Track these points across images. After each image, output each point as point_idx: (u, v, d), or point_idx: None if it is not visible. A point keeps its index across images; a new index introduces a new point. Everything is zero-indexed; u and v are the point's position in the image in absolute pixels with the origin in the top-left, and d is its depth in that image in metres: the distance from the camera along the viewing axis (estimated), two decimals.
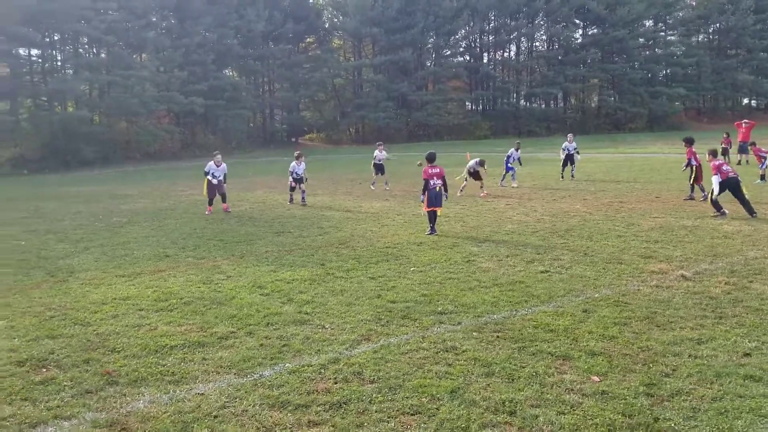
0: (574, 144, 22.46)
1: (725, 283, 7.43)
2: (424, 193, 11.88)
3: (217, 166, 16.06)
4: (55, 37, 47.62)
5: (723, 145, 25.39)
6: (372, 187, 20.71)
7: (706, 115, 73.15)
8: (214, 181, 15.84)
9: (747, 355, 5.25)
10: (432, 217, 11.79)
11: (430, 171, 11.90)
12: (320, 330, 6.24)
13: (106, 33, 44.98)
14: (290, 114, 67.88)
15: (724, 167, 12.69)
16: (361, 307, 6.99)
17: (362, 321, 6.48)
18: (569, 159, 22.02)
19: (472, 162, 17.91)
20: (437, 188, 11.79)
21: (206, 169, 16.08)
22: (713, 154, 13.26)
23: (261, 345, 5.85)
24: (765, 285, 7.34)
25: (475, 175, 17.76)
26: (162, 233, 12.76)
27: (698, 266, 8.36)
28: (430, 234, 11.51)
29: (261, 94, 66.03)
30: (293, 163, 17.16)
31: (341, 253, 10.07)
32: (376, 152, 21.68)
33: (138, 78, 46.66)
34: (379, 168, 21.20)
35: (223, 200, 16.02)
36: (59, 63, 49.23)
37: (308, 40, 69.98)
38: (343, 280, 8.28)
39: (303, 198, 17.01)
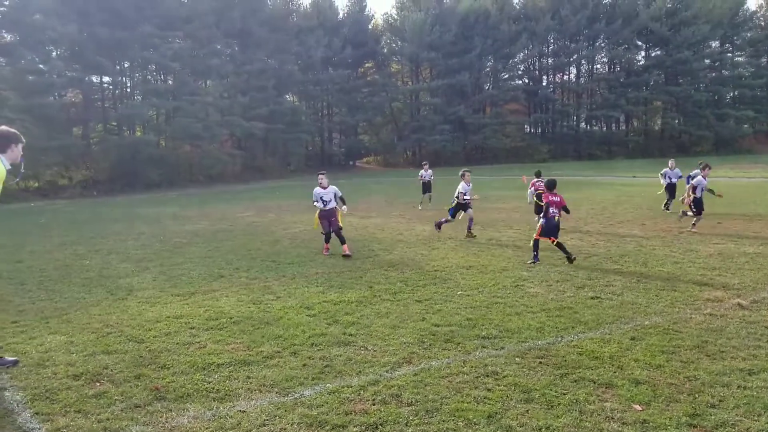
0: (677, 170, 19.16)
1: None
2: (540, 215, 11.49)
3: (324, 189, 12.82)
4: (125, 65, 49.86)
5: None
6: (419, 207, 21.37)
7: None
8: (325, 207, 12.72)
9: None
10: (537, 245, 11.08)
11: (550, 198, 11.24)
12: (362, 351, 6.31)
13: (172, 60, 46.85)
14: (348, 137, 68.98)
15: None
16: (405, 329, 7.03)
17: (405, 344, 6.51)
18: (671, 189, 18.93)
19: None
20: (555, 218, 11.14)
21: (313, 198, 12.91)
22: None
23: (304, 365, 5.95)
24: None
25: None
26: (218, 254, 13.12)
27: (756, 295, 8.05)
28: (533, 263, 10.81)
29: (320, 118, 67.33)
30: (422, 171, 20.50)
31: (390, 276, 10.14)
32: (422, 172, 22.66)
33: (202, 104, 48.31)
34: (427, 187, 22.05)
35: (341, 240, 12.49)
36: (128, 89, 51.45)
37: (367, 65, 71.13)
38: (389, 302, 8.33)
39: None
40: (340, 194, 12.88)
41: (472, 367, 5.75)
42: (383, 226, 16.91)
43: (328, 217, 12.69)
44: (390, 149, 70.09)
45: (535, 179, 16.56)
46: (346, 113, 66.13)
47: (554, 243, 11.05)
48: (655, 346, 6.16)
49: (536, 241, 11.12)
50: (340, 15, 67.97)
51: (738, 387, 5.09)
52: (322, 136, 68.24)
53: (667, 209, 18.29)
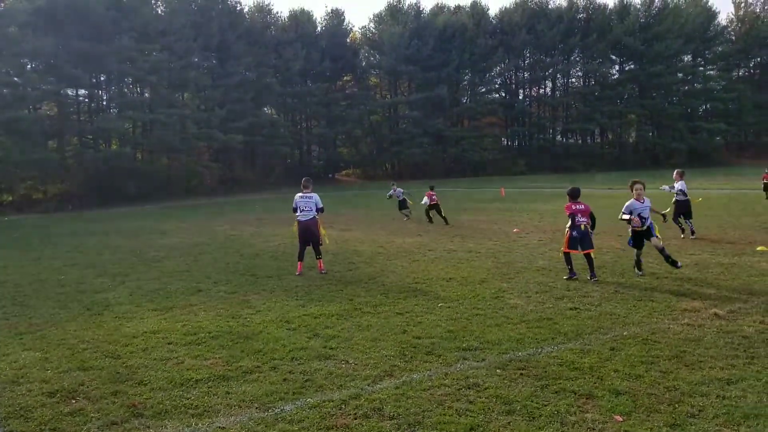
0: (678, 185, 15.54)
1: (759, 323, 7.23)
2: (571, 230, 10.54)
3: (303, 198, 11.87)
4: (101, 78, 49.48)
5: (764, 181, 24.91)
6: (406, 219, 22.02)
7: (748, 150, 71.66)
8: (300, 218, 11.81)
9: None
10: (568, 259, 10.46)
11: (573, 207, 10.53)
12: (344, 365, 6.27)
13: (149, 73, 46.61)
14: (327, 150, 69.00)
15: None
16: (386, 342, 7.00)
17: (386, 356, 6.48)
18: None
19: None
20: (582, 226, 10.41)
21: (294, 205, 12.00)
22: None
23: (284, 379, 5.89)
24: None
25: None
26: (196, 268, 12.99)
27: (732, 305, 8.15)
28: (569, 278, 10.21)
29: (298, 131, 67.37)
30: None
31: (370, 288, 10.12)
32: (391, 192, 23.31)
33: (179, 116, 48.08)
34: (402, 204, 22.81)
35: (317, 253, 11.93)
36: (105, 102, 51.03)
37: (345, 78, 71.39)
38: (370, 315, 8.30)
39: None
40: (320, 205, 11.99)
41: (453, 379, 5.73)
42: (363, 239, 16.89)
43: (305, 228, 11.79)
44: (369, 162, 70.25)
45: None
46: (325, 126, 66.27)
47: (584, 253, 10.35)
48: (634, 356, 6.20)
49: (566, 255, 10.48)
50: (318, 28, 68.24)
51: (717, 396, 5.13)
52: (301, 149, 68.25)
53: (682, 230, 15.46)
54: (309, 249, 12.04)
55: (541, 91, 75.95)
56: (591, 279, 10.16)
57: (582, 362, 6.07)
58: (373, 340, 7.09)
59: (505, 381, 5.65)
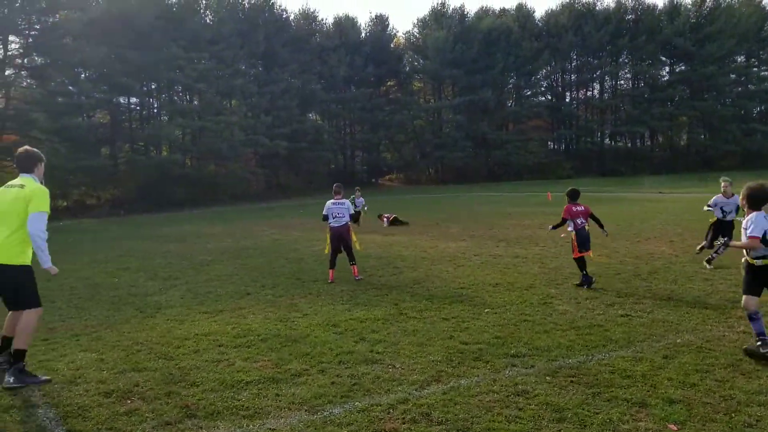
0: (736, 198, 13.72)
1: None
2: (555, 228, 10.76)
3: (337, 200, 11.84)
4: (152, 86, 50.80)
5: None
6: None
7: None
8: (335, 224, 11.72)
9: None
10: (583, 263, 10.32)
11: (574, 209, 10.52)
12: (391, 369, 6.28)
13: (197, 81, 47.64)
14: (370, 155, 69.31)
15: None
16: (432, 347, 6.98)
17: (433, 362, 6.47)
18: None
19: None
20: (585, 227, 10.45)
21: (324, 212, 11.92)
22: None
23: (332, 383, 5.94)
24: None
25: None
26: (244, 271, 13.20)
27: None
28: (583, 285, 10.09)
29: (342, 137, 67.88)
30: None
31: (416, 293, 10.11)
32: (356, 199, 21.77)
33: (227, 123, 48.97)
34: (357, 216, 19.94)
35: (351, 259, 11.82)
36: (155, 110, 52.38)
37: (389, 83, 71.60)
38: (416, 320, 8.30)
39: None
40: (351, 210, 12.02)
41: (502, 385, 5.69)
42: (407, 244, 16.89)
43: (338, 235, 11.76)
44: (412, 166, 70.26)
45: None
46: (368, 131, 66.55)
47: (576, 257, 10.39)
48: (688, 364, 6.05)
49: (578, 260, 10.38)
50: (363, 34, 68.59)
51: None
52: (344, 154, 68.68)
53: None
54: (342, 256, 12.02)
55: (589, 93, 74.71)
56: (584, 284, 10.09)
57: (634, 370, 5.94)
58: (420, 345, 7.08)
59: (555, 388, 5.58)
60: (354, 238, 12.34)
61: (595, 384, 5.63)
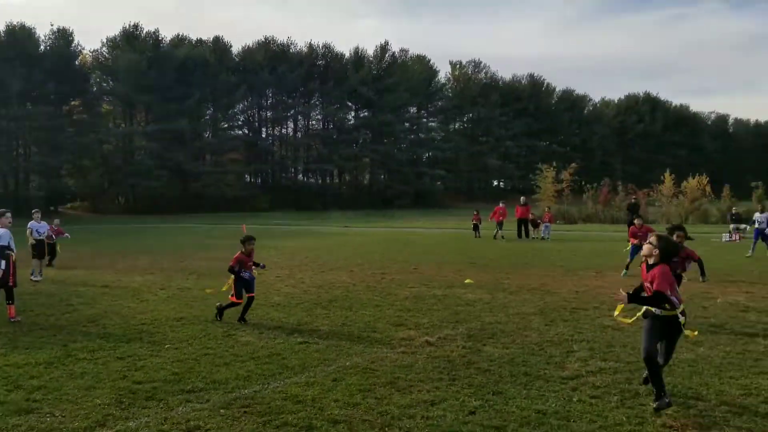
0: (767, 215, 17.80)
1: (462, 347, 8.13)
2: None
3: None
4: None
5: (473, 221, 28.46)
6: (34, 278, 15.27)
7: (463, 194, 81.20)
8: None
9: (472, 413, 5.75)
10: (229, 307, 10.14)
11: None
12: (48, 418, 5.63)
13: None
14: (49, 180, 62.27)
15: None
16: (101, 390, 6.46)
17: (100, 405, 5.98)
18: (762, 236, 17.86)
19: None
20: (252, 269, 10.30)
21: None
22: None
23: None
24: (495, 347, 8.16)
25: None
26: None
27: (442, 332, 9.08)
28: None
29: (15, 158, 60.02)
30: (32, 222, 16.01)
31: (89, 332, 9.29)
32: (34, 223, 16.34)
33: None
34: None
35: (9, 298, 10.20)
36: None
37: (73, 102, 65.48)
38: (85, 361, 7.61)
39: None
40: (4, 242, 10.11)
41: (173, 423, 5.49)
42: (87, 279, 15.49)
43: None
44: (100, 194, 65.09)
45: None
46: (47, 153, 59.88)
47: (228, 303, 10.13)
48: (353, 385, 6.55)
49: (232, 304, 10.06)
50: (42, 47, 61.91)
51: (422, 417, 5.63)
52: (16, 177, 60.78)
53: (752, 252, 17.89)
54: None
55: (284, 130, 77.94)
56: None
57: (305, 395, 6.24)
58: (87, 389, 6.50)
59: (228, 420, 5.57)
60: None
61: (267, 412, 5.76)
